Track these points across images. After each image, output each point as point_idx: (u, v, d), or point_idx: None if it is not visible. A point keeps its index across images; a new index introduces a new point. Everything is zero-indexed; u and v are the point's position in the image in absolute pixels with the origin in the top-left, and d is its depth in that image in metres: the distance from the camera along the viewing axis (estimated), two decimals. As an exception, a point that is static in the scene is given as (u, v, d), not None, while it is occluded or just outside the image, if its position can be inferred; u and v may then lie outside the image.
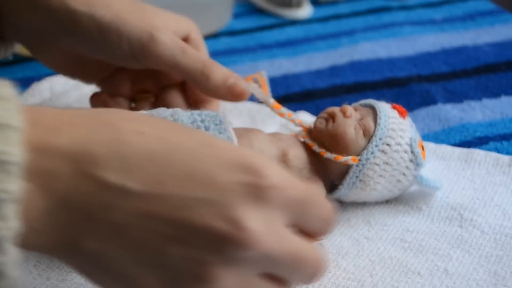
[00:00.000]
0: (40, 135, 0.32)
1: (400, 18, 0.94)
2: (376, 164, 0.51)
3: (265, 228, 0.34)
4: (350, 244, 0.51)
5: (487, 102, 0.70)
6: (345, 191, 0.52)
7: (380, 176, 0.52)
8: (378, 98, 0.57)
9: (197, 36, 0.58)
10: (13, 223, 0.30)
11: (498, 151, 0.61)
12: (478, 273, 0.47)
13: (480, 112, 0.69)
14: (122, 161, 0.33)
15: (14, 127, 0.31)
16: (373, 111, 0.53)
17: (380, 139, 0.51)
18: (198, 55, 0.55)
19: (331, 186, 0.53)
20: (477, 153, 0.60)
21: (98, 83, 0.61)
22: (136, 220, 0.33)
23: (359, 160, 0.51)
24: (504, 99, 0.71)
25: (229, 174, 0.34)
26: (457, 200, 0.54)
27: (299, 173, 0.51)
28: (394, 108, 0.54)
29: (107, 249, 0.33)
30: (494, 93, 0.72)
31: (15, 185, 0.30)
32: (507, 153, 0.61)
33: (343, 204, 0.55)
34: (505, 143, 0.63)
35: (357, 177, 0.51)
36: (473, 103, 0.70)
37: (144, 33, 0.53)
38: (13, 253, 0.31)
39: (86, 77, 0.61)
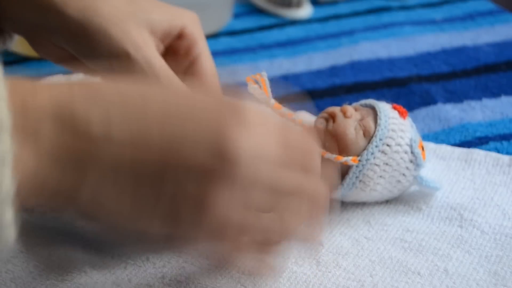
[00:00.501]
0: (21, 98, 0.33)
1: (400, 18, 0.94)
2: (376, 165, 0.51)
3: (252, 155, 0.36)
4: (350, 244, 0.50)
5: (487, 102, 0.70)
6: (345, 191, 0.52)
7: (380, 176, 0.52)
8: (378, 98, 0.57)
9: (192, 30, 0.56)
10: (7, 182, 0.31)
11: (498, 151, 0.61)
12: (478, 273, 0.47)
13: (480, 112, 0.69)
14: (101, 113, 0.34)
15: None
16: (374, 111, 0.53)
17: (380, 139, 0.51)
18: (171, 79, 0.52)
19: (331, 187, 0.53)
20: (477, 153, 0.60)
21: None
22: (125, 164, 0.34)
23: (359, 160, 0.51)
24: (504, 99, 0.71)
25: (207, 113, 0.36)
26: (457, 200, 0.54)
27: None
28: (395, 108, 0.54)
29: (103, 194, 0.35)
30: (494, 93, 0.72)
31: (7, 146, 0.31)
32: (507, 153, 0.61)
33: (343, 204, 0.55)
34: (505, 143, 0.63)
35: (357, 177, 0.51)
36: (473, 103, 0.70)
37: (122, 53, 0.52)
38: (8, 213, 0.31)
39: (88, 72, 0.61)
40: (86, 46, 0.53)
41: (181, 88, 0.53)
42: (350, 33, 0.89)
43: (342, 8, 0.98)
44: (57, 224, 0.50)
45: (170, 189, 0.35)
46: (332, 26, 0.92)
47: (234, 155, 0.35)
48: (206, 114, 0.36)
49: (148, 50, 0.53)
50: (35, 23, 0.54)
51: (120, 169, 0.35)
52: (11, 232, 0.32)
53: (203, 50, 0.56)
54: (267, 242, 0.39)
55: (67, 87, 0.35)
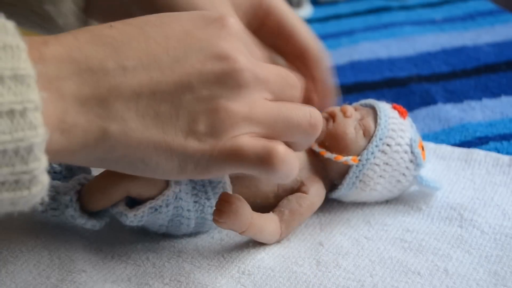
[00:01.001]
0: (36, 49, 0.35)
1: (400, 18, 0.94)
2: (376, 165, 0.51)
3: (246, 57, 0.40)
4: (350, 244, 0.50)
5: (487, 102, 0.70)
6: (345, 191, 0.52)
7: (380, 176, 0.52)
8: (378, 98, 0.57)
9: (276, 4, 0.56)
10: (41, 130, 0.33)
11: (498, 151, 0.61)
12: (478, 273, 0.47)
13: (480, 112, 0.69)
14: (109, 49, 0.37)
15: (19, 46, 0.33)
16: (374, 111, 0.53)
17: (380, 139, 0.51)
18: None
19: (331, 186, 0.53)
20: (477, 153, 0.60)
21: None
22: (142, 88, 0.37)
23: (359, 160, 0.51)
24: (504, 99, 0.71)
25: (197, 25, 0.40)
26: (457, 200, 0.54)
27: (299, 173, 0.51)
28: (395, 108, 0.54)
29: (129, 124, 0.37)
30: (494, 93, 0.72)
31: (36, 95, 0.33)
32: (507, 153, 0.61)
33: (343, 204, 0.55)
34: (505, 143, 0.63)
35: (357, 177, 0.51)
36: (473, 103, 0.70)
37: None
38: (44, 159, 0.33)
39: None
40: None
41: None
42: (350, 33, 0.89)
43: (342, 8, 0.98)
44: (58, 223, 0.50)
45: (187, 101, 0.38)
46: (332, 26, 0.92)
47: (231, 55, 0.39)
48: (196, 25, 0.40)
49: (236, 18, 0.54)
50: (126, 10, 0.55)
51: (140, 94, 0.37)
52: (46, 178, 0.34)
53: (285, 11, 0.57)
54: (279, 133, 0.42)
55: (71, 34, 0.38)
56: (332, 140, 0.51)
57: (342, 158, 0.51)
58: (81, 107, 0.36)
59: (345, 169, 0.51)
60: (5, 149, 0.32)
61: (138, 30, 0.39)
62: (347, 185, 0.52)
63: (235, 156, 0.40)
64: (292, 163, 0.41)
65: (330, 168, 0.52)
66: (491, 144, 0.62)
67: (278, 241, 0.50)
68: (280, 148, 0.40)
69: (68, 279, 0.47)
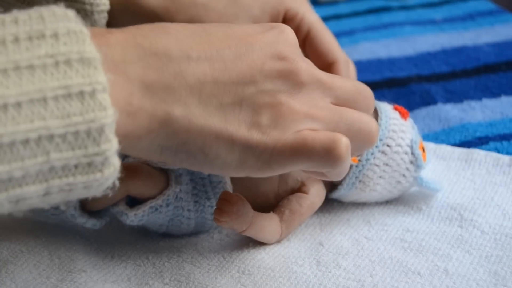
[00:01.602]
0: (101, 35, 0.36)
1: (400, 18, 0.94)
2: (376, 165, 0.51)
3: (309, 64, 0.41)
4: (350, 244, 0.50)
5: (487, 102, 0.70)
6: (344, 192, 0.52)
7: (380, 177, 0.52)
8: (378, 98, 0.56)
9: (296, 9, 0.58)
10: (110, 111, 0.33)
11: (498, 151, 0.61)
12: (478, 273, 0.47)
13: (480, 112, 0.69)
14: (173, 39, 0.38)
15: (83, 31, 0.33)
16: (374, 112, 0.53)
17: (380, 140, 0.51)
18: None
19: (331, 186, 0.53)
20: (477, 153, 0.60)
21: None
22: (206, 77, 0.38)
23: (359, 160, 0.51)
24: (504, 99, 0.71)
25: (258, 30, 0.41)
26: (457, 200, 0.54)
27: (299, 173, 0.51)
28: (396, 109, 0.54)
29: (192, 110, 0.37)
30: (494, 93, 0.72)
31: (103, 77, 0.33)
32: (507, 153, 0.61)
33: (343, 204, 0.55)
34: (505, 143, 0.63)
35: (356, 177, 0.51)
36: (473, 103, 0.70)
37: None
38: (114, 141, 0.33)
39: None
40: None
41: None
42: (350, 33, 0.89)
43: (342, 8, 0.98)
44: (58, 222, 0.50)
45: (250, 93, 0.39)
46: (332, 26, 0.92)
47: (291, 56, 0.40)
48: (258, 30, 0.41)
49: None
50: None
51: (204, 82, 0.38)
52: (117, 161, 0.34)
53: (312, 22, 0.58)
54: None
55: (133, 26, 0.38)
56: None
57: None
58: (146, 90, 0.36)
59: (345, 169, 0.51)
60: (78, 131, 0.32)
61: (200, 27, 0.40)
62: (347, 185, 0.52)
63: (300, 148, 0.39)
64: (349, 160, 0.41)
65: (330, 168, 0.52)
66: (491, 144, 0.62)
67: (278, 241, 0.50)
68: (345, 139, 0.40)
69: (68, 279, 0.47)
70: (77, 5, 0.53)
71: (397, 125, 0.52)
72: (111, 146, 0.33)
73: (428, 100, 0.71)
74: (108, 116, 0.33)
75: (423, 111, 0.69)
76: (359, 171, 0.51)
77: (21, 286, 0.46)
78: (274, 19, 0.56)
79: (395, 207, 0.54)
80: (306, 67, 0.40)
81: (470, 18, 0.93)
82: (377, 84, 0.75)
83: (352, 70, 0.61)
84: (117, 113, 0.33)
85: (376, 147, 0.51)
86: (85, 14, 0.53)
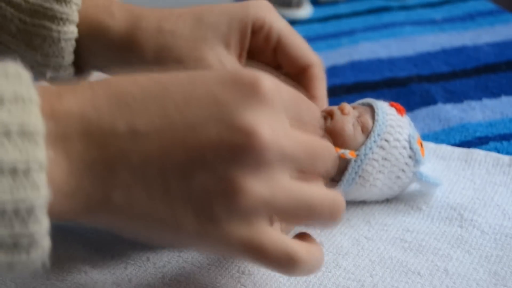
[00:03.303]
0: (49, 103, 0.34)
1: (400, 18, 0.94)
2: (375, 160, 0.51)
3: (273, 129, 0.35)
4: (350, 244, 0.51)
5: (487, 102, 0.70)
6: (345, 188, 0.52)
7: (379, 172, 0.52)
8: (378, 98, 0.57)
9: (264, 19, 0.56)
10: (44, 191, 0.31)
11: (498, 151, 0.61)
12: (478, 273, 0.47)
13: (480, 112, 0.69)
14: (124, 108, 0.35)
15: (31, 99, 0.32)
16: (371, 109, 0.54)
17: (378, 135, 0.51)
18: None
19: (331, 183, 0.53)
20: (477, 153, 0.60)
21: None
22: (153, 158, 0.35)
23: (357, 155, 0.51)
24: (504, 99, 0.71)
25: (225, 90, 0.36)
26: (457, 200, 0.54)
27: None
28: (392, 105, 0.54)
29: (134, 194, 0.35)
30: (494, 93, 0.72)
31: (42, 154, 0.31)
32: (507, 153, 0.61)
33: (343, 204, 0.55)
34: (505, 143, 0.63)
35: (356, 172, 0.51)
36: (473, 103, 0.70)
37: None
38: (45, 222, 0.32)
39: None
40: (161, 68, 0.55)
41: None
42: (350, 33, 0.90)
43: (342, 8, 0.98)
44: (58, 222, 0.50)
45: (200, 178, 0.35)
46: (332, 26, 0.92)
47: (254, 128, 0.35)
48: (224, 91, 0.36)
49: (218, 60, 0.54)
50: (117, 67, 0.55)
51: (149, 163, 0.35)
52: (47, 242, 0.32)
53: (281, 29, 0.56)
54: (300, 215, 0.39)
55: (89, 88, 0.36)
56: (330, 137, 0.51)
57: (340, 151, 0.51)
58: (86, 170, 0.34)
59: (344, 166, 0.52)
60: (4, 209, 0.30)
61: (161, 89, 0.36)
62: (347, 181, 0.52)
63: (257, 252, 0.36)
64: (317, 260, 0.39)
65: (329, 166, 0.52)
66: (491, 144, 0.62)
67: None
68: (304, 256, 0.37)
69: (68, 279, 0.47)
70: (44, 32, 0.52)
71: (394, 121, 0.52)
72: (41, 227, 0.31)
73: (428, 100, 0.71)
74: (40, 196, 0.31)
75: (423, 111, 0.69)
76: (358, 166, 0.51)
77: (21, 286, 0.46)
78: (243, 33, 0.55)
79: (395, 207, 0.55)
80: (269, 141, 0.35)
81: (470, 18, 0.93)
82: (377, 84, 0.75)
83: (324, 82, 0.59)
84: (52, 192, 0.32)
85: (375, 142, 0.51)
86: (52, 41, 0.52)
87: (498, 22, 0.91)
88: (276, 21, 0.56)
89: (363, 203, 0.55)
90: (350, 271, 0.48)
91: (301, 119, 0.39)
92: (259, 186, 0.35)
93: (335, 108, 0.53)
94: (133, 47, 0.53)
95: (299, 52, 0.56)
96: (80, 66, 0.57)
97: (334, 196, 0.39)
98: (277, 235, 0.37)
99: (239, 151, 0.35)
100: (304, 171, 0.38)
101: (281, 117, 0.37)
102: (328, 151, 0.40)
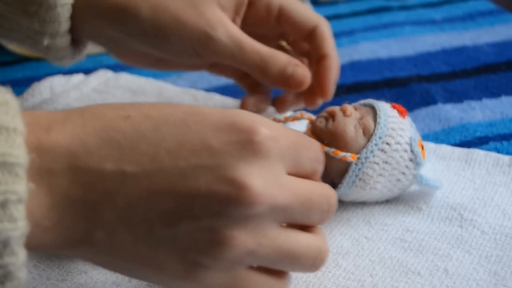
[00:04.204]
0: (36, 135, 0.33)
1: (400, 18, 0.94)
2: (376, 163, 0.51)
3: (265, 181, 0.34)
4: (350, 244, 0.51)
5: (487, 102, 0.70)
6: (345, 190, 0.52)
7: (380, 175, 0.52)
8: (378, 98, 0.57)
9: None
10: (21, 224, 0.31)
11: (498, 151, 0.61)
12: (478, 273, 0.47)
13: (480, 112, 0.69)
14: (114, 147, 0.34)
15: (16, 130, 0.31)
16: (373, 110, 0.53)
17: (380, 138, 0.51)
18: (256, 48, 0.55)
19: (331, 185, 0.53)
20: (477, 153, 0.60)
21: (208, 69, 0.63)
22: (139, 201, 0.34)
23: (359, 158, 0.51)
24: (504, 99, 0.71)
25: (220, 136, 0.35)
26: (457, 200, 0.54)
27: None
28: (394, 107, 0.54)
29: (117, 236, 0.34)
30: (494, 93, 0.72)
31: (22, 186, 0.31)
32: (507, 153, 0.61)
33: (343, 204, 0.55)
34: (505, 143, 0.63)
35: (356, 175, 0.51)
36: (473, 103, 0.70)
37: (201, 34, 0.54)
38: (21, 254, 0.31)
39: (178, 69, 0.63)
40: (165, 42, 0.55)
41: (266, 51, 0.55)
42: (350, 33, 0.89)
43: (342, 8, 0.98)
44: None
45: (186, 225, 0.34)
46: (332, 26, 0.92)
47: (245, 181, 0.34)
48: (219, 138, 0.35)
49: (225, 26, 0.55)
50: (113, 34, 0.56)
51: (135, 206, 0.34)
52: (23, 274, 0.32)
53: (281, 2, 0.58)
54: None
55: (79, 121, 0.35)
56: (331, 138, 0.51)
57: (341, 153, 0.51)
58: (69, 207, 0.33)
59: (345, 168, 0.51)
60: None
61: (154, 128, 0.35)
62: (347, 184, 0.52)
63: None
64: None
65: (330, 167, 0.52)
66: (491, 144, 0.62)
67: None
68: None
69: (68, 279, 0.47)
70: None
71: (395, 123, 0.52)
72: (17, 260, 0.31)
73: (428, 100, 0.71)
74: (17, 228, 0.30)
75: (423, 111, 0.69)
76: (359, 169, 0.51)
77: (21, 286, 0.46)
78: (238, 2, 0.56)
79: (395, 207, 0.54)
80: (260, 194, 0.34)
81: (470, 18, 0.93)
82: (377, 84, 0.75)
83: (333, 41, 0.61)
84: (31, 226, 0.31)
85: (376, 145, 0.51)
86: (48, 7, 0.52)
87: (498, 22, 0.91)
88: None
89: (363, 203, 0.55)
90: (350, 271, 0.48)
91: (300, 163, 0.38)
92: (245, 237, 0.35)
93: (336, 109, 0.53)
94: (129, 7, 0.53)
95: (303, 16, 0.58)
96: (76, 36, 0.57)
97: (320, 246, 0.39)
98: (260, 280, 0.37)
99: (229, 203, 0.34)
100: (297, 223, 0.38)
101: (276, 168, 0.36)
102: (325, 199, 0.39)
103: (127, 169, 0.34)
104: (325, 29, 0.59)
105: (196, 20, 0.54)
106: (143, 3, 0.54)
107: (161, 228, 0.34)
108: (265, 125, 0.36)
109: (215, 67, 0.63)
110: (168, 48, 0.56)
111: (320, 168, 0.40)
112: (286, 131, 0.37)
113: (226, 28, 0.54)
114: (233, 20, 0.56)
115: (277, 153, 0.36)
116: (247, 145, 0.35)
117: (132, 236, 0.34)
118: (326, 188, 0.40)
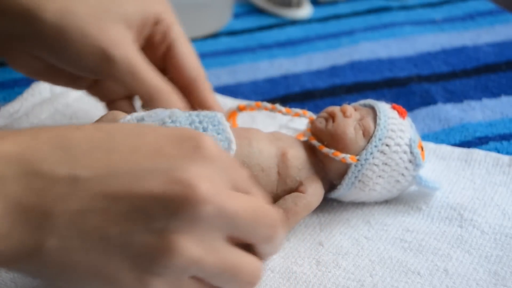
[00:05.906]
0: None
1: (400, 18, 0.94)
2: (375, 165, 0.51)
3: (214, 184, 0.36)
4: (350, 244, 0.51)
5: (487, 102, 0.70)
6: (344, 191, 0.52)
7: (379, 176, 0.52)
8: (378, 98, 0.57)
9: (166, 16, 0.56)
10: None
11: (498, 151, 0.61)
12: (478, 273, 0.47)
13: (480, 112, 0.69)
14: (66, 153, 0.34)
15: None
16: (373, 111, 0.53)
17: (380, 139, 0.51)
18: (149, 79, 0.53)
19: (330, 186, 0.53)
20: (477, 153, 0.60)
21: (87, 89, 0.60)
22: (91, 205, 0.34)
23: (358, 160, 0.51)
24: (504, 99, 0.71)
25: (172, 143, 0.36)
26: (457, 200, 0.54)
27: (298, 173, 0.51)
28: (394, 108, 0.54)
29: (69, 243, 0.34)
30: (494, 93, 0.72)
31: None
32: (507, 153, 0.61)
33: (342, 204, 0.55)
34: (505, 143, 0.63)
35: (356, 177, 0.51)
36: (473, 103, 0.70)
37: (100, 50, 0.52)
38: None
39: (67, 84, 0.60)
40: (64, 49, 0.53)
41: (156, 86, 0.53)
42: (350, 33, 0.89)
43: (342, 8, 0.98)
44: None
45: (140, 230, 0.34)
46: (332, 26, 0.92)
47: (193, 181, 0.35)
48: (170, 144, 0.36)
49: (125, 46, 0.53)
50: (9, 32, 0.54)
51: (89, 210, 0.34)
52: None
53: (178, 34, 0.57)
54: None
55: (33, 131, 0.35)
56: (331, 140, 0.51)
57: (341, 155, 0.51)
58: (21, 214, 0.33)
59: (344, 169, 0.51)
60: None
61: (106, 137, 0.36)
62: (346, 185, 0.52)
63: None
64: None
65: (329, 168, 0.52)
66: (491, 144, 0.62)
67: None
68: None
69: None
70: None
71: (395, 124, 0.52)
72: None
73: (428, 100, 0.71)
74: None
75: (423, 111, 0.69)
76: (358, 170, 0.51)
77: (21, 286, 0.46)
78: (144, 22, 0.55)
79: (395, 207, 0.54)
80: (208, 195, 0.35)
81: (470, 18, 0.93)
82: (377, 84, 0.75)
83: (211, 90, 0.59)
84: None
85: (375, 147, 0.51)
86: None
87: (498, 22, 0.90)
88: (176, 25, 0.57)
89: (362, 203, 0.55)
90: (350, 271, 0.48)
91: (237, 183, 0.39)
92: (192, 245, 0.35)
93: (336, 110, 0.53)
94: (34, 10, 0.51)
95: (190, 62, 0.57)
96: None
97: (258, 266, 0.39)
98: None
99: (177, 202, 0.34)
100: (241, 239, 0.38)
101: (223, 174, 0.37)
102: (272, 217, 0.39)
103: (80, 173, 0.34)
104: (204, 83, 0.57)
105: (98, 34, 0.52)
106: (51, 4, 0.52)
107: (114, 233, 0.34)
108: (210, 139, 0.38)
109: (96, 87, 0.60)
110: (66, 56, 0.53)
111: (253, 188, 0.40)
112: (224, 152, 0.39)
113: (126, 50, 0.53)
114: (137, 40, 0.55)
115: (222, 163, 0.37)
116: (196, 151, 0.36)
117: (85, 243, 0.34)
118: (270, 206, 0.40)
